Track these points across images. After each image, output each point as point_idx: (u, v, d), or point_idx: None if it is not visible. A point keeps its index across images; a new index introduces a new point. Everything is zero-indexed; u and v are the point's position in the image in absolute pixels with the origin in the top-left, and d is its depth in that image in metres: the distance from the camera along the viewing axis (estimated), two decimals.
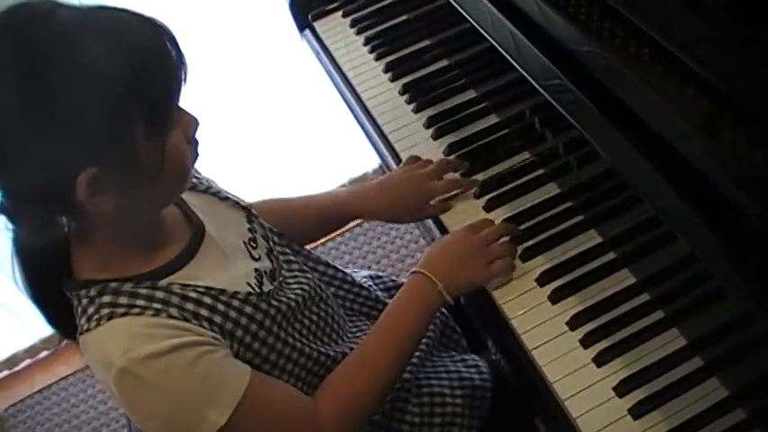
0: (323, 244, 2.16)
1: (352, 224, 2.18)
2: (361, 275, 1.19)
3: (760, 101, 0.70)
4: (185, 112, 0.80)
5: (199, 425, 0.79)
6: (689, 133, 0.73)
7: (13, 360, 2.16)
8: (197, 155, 0.83)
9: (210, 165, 1.04)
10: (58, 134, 0.70)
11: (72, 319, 0.82)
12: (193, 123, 0.81)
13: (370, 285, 1.16)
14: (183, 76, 0.76)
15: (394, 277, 1.25)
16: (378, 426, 1.01)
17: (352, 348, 0.97)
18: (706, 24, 0.75)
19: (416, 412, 1.04)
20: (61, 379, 2.11)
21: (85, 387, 2.08)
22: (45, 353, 2.17)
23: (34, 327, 2.11)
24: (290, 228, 1.07)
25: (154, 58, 0.74)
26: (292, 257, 1.01)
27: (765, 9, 0.73)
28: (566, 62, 0.87)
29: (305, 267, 1.01)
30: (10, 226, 0.78)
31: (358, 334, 1.04)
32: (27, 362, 2.17)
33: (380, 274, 1.26)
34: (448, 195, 1.10)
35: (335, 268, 1.09)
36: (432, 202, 1.10)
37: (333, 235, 2.17)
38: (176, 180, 0.82)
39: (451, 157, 1.15)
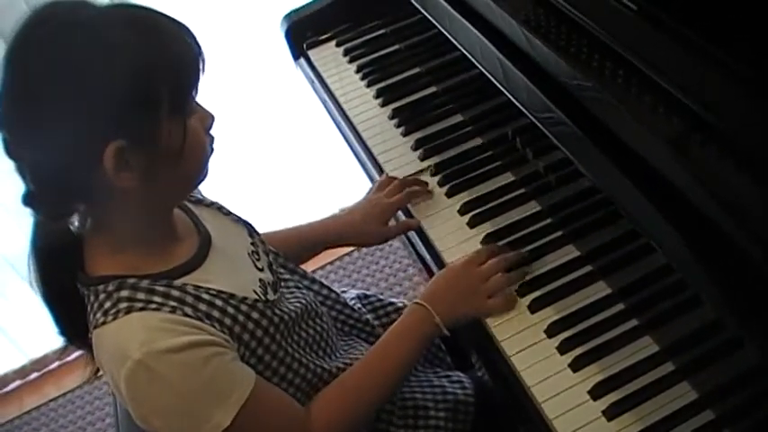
0: (322, 268, 2.20)
1: (341, 252, 2.23)
2: (350, 295, 1.23)
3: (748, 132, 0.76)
4: (202, 107, 0.85)
5: (203, 424, 0.81)
6: (666, 151, 0.79)
7: (2, 380, 2.16)
8: (212, 149, 0.87)
9: (207, 187, 1.08)
10: (90, 105, 0.75)
11: (78, 320, 0.85)
12: (209, 117, 0.86)
13: (359, 307, 1.19)
14: (201, 65, 0.81)
15: (381, 297, 1.29)
16: None
17: (344, 363, 1.01)
18: (692, 56, 0.82)
19: (401, 424, 1.07)
20: (50, 400, 2.11)
21: (74, 408, 2.09)
22: (35, 374, 2.18)
23: (25, 348, 2.13)
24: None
25: (175, 41, 0.80)
26: (289, 275, 1.05)
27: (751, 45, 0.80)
28: (553, 91, 0.93)
29: (301, 285, 1.05)
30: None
31: (349, 351, 1.07)
32: (17, 383, 2.18)
33: (368, 293, 1.30)
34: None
35: (329, 289, 1.13)
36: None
37: (324, 263, 2.21)
38: (195, 167, 0.85)
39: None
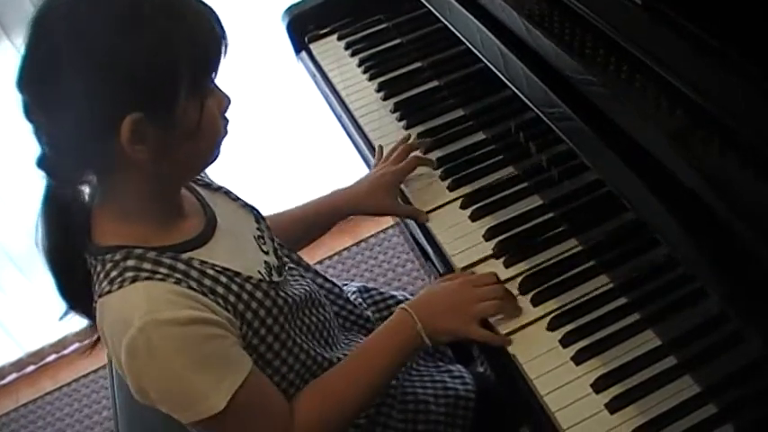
0: (320, 262, 2.20)
1: (340, 246, 2.23)
2: (351, 289, 1.23)
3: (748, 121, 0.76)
4: (220, 89, 0.86)
5: (197, 403, 0.82)
6: (669, 144, 0.79)
7: None
8: (226, 132, 0.88)
9: (212, 175, 1.08)
10: (112, 76, 0.76)
11: (81, 289, 0.85)
12: (225, 100, 0.86)
13: (359, 302, 1.19)
14: (223, 50, 0.82)
15: (382, 290, 1.29)
16: (363, 429, 1.04)
17: (344, 354, 1.01)
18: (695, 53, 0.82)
19: (400, 418, 1.07)
20: (47, 394, 2.12)
21: (71, 402, 2.09)
22: (31, 367, 2.18)
23: (21, 341, 2.13)
24: (285, 235, 1.12)
25: (202, 24, 0.80)
26: (293, 264, 1.05)
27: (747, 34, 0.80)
28: (556, 84, 0.93)
29: (304, 275, 1.05)
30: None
31: (350, 345, 1.07)
32: (13, 375, 2.18)
33: (369, 286, 1.30)
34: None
35: (332, 283, 1.14)
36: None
37: (323, 257, 2.21)
38: (207, 147, 0.86)
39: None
